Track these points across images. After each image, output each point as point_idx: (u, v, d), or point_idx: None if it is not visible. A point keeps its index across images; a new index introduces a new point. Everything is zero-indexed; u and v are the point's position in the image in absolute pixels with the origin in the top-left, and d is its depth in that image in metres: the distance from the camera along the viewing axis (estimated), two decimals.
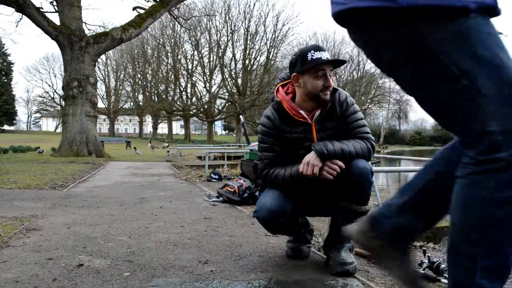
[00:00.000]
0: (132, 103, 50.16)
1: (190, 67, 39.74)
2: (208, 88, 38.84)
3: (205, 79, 38.64)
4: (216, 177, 6.82)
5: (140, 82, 45.96)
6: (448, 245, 0.94)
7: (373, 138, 1.92)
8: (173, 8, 16.22)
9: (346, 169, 1.80)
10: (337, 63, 1.93)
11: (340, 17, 0.97)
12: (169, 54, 40.01)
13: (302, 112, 1.90)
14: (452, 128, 0.95)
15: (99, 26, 21.77)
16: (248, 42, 35.77)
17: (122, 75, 49.02)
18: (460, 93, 0.85)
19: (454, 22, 0.85)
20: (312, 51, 1.82)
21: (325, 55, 1.83)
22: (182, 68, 40.35)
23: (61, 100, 38.11)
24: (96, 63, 15.34)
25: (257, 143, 2.09)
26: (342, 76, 48.54)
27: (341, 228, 1.97)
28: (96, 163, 10.56)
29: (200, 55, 37.97)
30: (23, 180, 5.93)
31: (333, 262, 1.90)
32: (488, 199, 0.84)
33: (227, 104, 40.28)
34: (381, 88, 54.82)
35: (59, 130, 52.39)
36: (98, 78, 23.29)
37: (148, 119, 56.34)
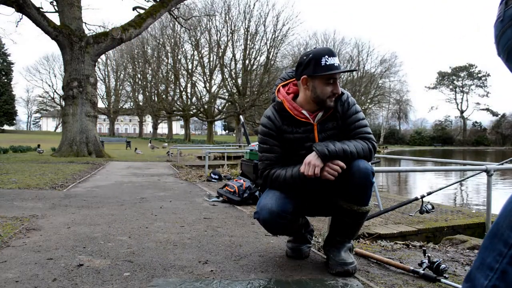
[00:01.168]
0: (132, 103, 50.18)
1: (190, 67, 39.75)
2: (208, 88, 38.84)
3: (205, 79, 38.65)
4: (216, 177, 6.82)
5: (140, 82, 45.97)
6: (491, 228, 0.96)
7: (374, 138, 1.91)
8: (173, 8, 16.21)
9: (347, 169, 1.79)
10: (347, 71, 1.92)
11: None
12: (169, 54, 40.01)
13: (304, 112, 1.89)
14: None
15: (99, 26, 21.74)
16: (248, 42, 35.76)
17: (122, 75, 49.06)
18: None
19: None
20: (327, 56, 1.80)
21: (337, 61, 1.82)
22: (182, 68, 40.35)
23: (61, 100, 38.11)
24: (96, 63, 15.32)
25: (257, 143, 2.09)
26: (342, 76, 48.55)
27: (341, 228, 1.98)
28: (96, 163, 10.55)
29: (200, 55, 37.97)
30: (23, 180, 5.93)
31: (333, 262, 1.89)
32: None
33: (227, 104, 40.28)
34: (381, 88, 54.86)
35: (59, 130, 52.43)
36: (98, 78, 23.26)
37: (148, 119, 56.36)
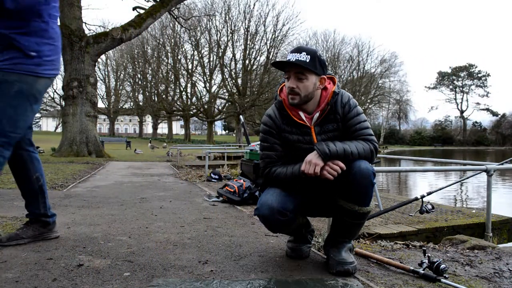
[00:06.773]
0: (132, 103, 50.16)
1: (190, 67, 39.76)
2: (208, 88, 38.85)
3: (205, 79, 38.66)
4: (216, 177, 6.81)
5: (140, 82, 45.97)
6: None
7: (376, 140, 1.91)
8: (173, 8, 16.21)
9: (348, 169, 1.79)
10: (280, 64, 1.87)
11: None
12: (169, 54, 40.01)
13: (301, 113, 1.89)
14: None
15: (99, 26, 21.77)
16: (248, 42, 35.78)
17: (122, 75, 49.06)
18: None
19: None
20: (289, 53, 1.84)
21: (296, 57, 1.80)
22: (182, 68, 40.36)
23: (61, 100, 38.09)
24: (96, 63, 15.32)
25: (256, 143, 2.10)
26: (342, 76, 48.56)
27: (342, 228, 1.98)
28: (96, 163, 10.55)
29: (200, 55, 37.99)
30: None
31: (333, 262, 1.90)
32: None
33: (227, 104, 40.28)
34: (381, 88, 54.88)
35: (59, 130, 52.39)
36: (98, 78, 23.29)
37: (148, 119, 56.35)
